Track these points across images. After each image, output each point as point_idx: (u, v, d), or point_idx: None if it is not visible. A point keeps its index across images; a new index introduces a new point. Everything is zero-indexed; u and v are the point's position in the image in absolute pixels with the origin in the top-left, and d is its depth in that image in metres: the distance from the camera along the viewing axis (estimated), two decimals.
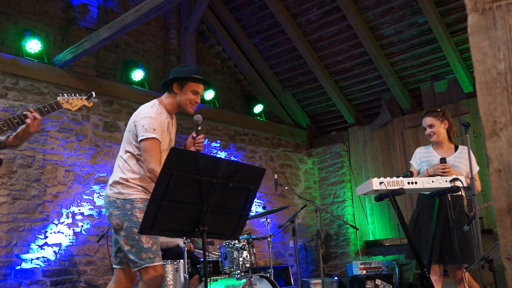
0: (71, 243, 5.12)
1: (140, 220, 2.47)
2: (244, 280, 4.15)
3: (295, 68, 7.62)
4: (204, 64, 7.39)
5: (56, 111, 3.13)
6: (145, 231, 2.30)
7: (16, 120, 2.66)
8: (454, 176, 3.16)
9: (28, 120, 2.65)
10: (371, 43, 6.67)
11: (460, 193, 3.36)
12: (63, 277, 5.00)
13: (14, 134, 2.73)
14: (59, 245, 5.03)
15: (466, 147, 3.58)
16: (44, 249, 4.92)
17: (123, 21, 4.86)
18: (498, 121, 1.10)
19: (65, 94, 2.92)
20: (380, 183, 3.02)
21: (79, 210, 5.24)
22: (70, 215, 5.16)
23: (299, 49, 7.17)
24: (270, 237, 4.94)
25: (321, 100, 7.93)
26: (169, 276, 4.17)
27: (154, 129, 2.90)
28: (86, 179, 5.35)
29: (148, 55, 6.68)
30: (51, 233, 4.99)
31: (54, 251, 4.99)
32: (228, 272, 4.44)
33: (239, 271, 4.35)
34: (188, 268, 4.18)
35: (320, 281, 6.02)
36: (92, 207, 5.35)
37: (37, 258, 4.86)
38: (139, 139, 2.91)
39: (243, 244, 4.44)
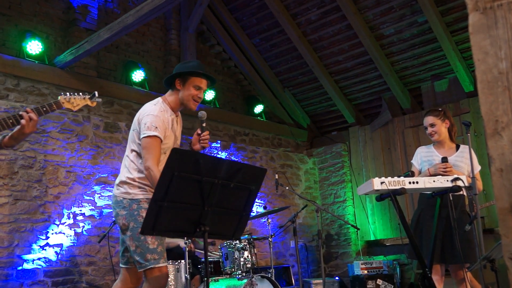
0: (72, 244, 5.13)
1: None
2: (245, 280, 4.15)
3: (295, 68, 7.62)
4: (204, 65, 7.39)
5: (57, 111, 3.09)
6: (146, 232, 2.29)
7: (11, 121, 2.57)
8: (456, 176, 3.15)
9: (23, 121, 2.57)
10: (371, 43, 6.67)
11: (461, 192, 3.36)
12: (64, 278, 5.00)
13: (9, 134, 2.65)
14: (60, 245, 5.04)
15: (467, 147, 3.58)
16: (45, 249, 4.93)
17: (123, 22, 4.86)
18: (500, 120, 1.10)
19: (67, 93, 2.84)
20: (381, 183, 3.02)
21: (80, 210, 5.25)
22: (71, 215, 5.17)
23: (299, 49, 7.16)
24: (271, 237, 4.94)
25: (321, 100, 7.93)
26: (170, 277, 4.17)
27: (156, 127, 2.88)
28: (87, 180, 5.36)
29: (148, 55, 6.68)
30: (52, 233, 4.99)
31: (56, 252, 4.99)
32: (229, 272, 4.44)
33: (240, 271, 4.35)
34: (189, 268, 4.18)
35: (321, 281, 6.02)
36: (93, 207, 5.35)
37: (39, 259, 4.86)
38: (141, 136, 2.91)
39: (244, 244, 4.44)
